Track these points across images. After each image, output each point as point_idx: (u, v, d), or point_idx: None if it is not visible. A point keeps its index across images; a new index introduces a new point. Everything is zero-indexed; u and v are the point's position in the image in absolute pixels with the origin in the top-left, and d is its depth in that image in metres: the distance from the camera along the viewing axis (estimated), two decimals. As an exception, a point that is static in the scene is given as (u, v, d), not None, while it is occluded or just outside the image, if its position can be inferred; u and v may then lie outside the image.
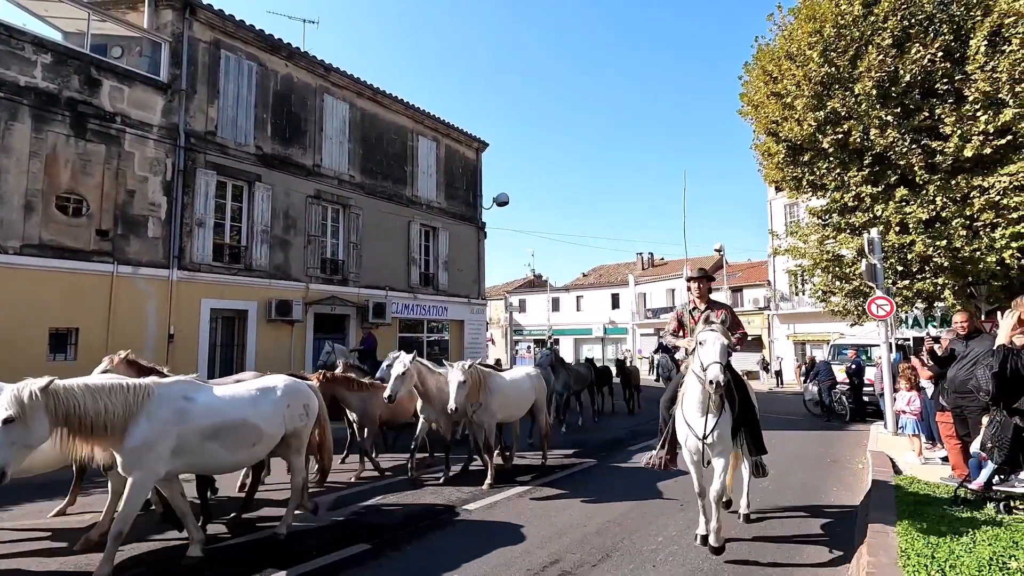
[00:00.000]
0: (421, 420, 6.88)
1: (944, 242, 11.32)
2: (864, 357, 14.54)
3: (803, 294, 23.84)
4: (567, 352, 41.39)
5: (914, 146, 11.60)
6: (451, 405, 5.85)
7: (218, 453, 4.07)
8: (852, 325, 16.08)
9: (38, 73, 9.57)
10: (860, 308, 13.64)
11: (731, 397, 4.21)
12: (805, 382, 15.98)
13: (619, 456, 8.54)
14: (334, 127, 14.69)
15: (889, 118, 11.63)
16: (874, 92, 11.58)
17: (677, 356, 5.58)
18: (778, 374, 26.82)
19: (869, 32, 11.67)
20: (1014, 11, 10.41)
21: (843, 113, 12.13)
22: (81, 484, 5.33)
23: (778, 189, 17.89)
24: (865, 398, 13.18)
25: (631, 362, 18.21)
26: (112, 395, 3.60)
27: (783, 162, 13.85)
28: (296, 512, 4.86)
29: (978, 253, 11.04)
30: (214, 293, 11.77)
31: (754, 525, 5.09)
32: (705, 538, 4.23)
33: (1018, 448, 4.58)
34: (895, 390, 9.39)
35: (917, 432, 7.95)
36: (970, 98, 10.92)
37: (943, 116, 11.22)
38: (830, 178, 12.99)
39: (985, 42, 10.70)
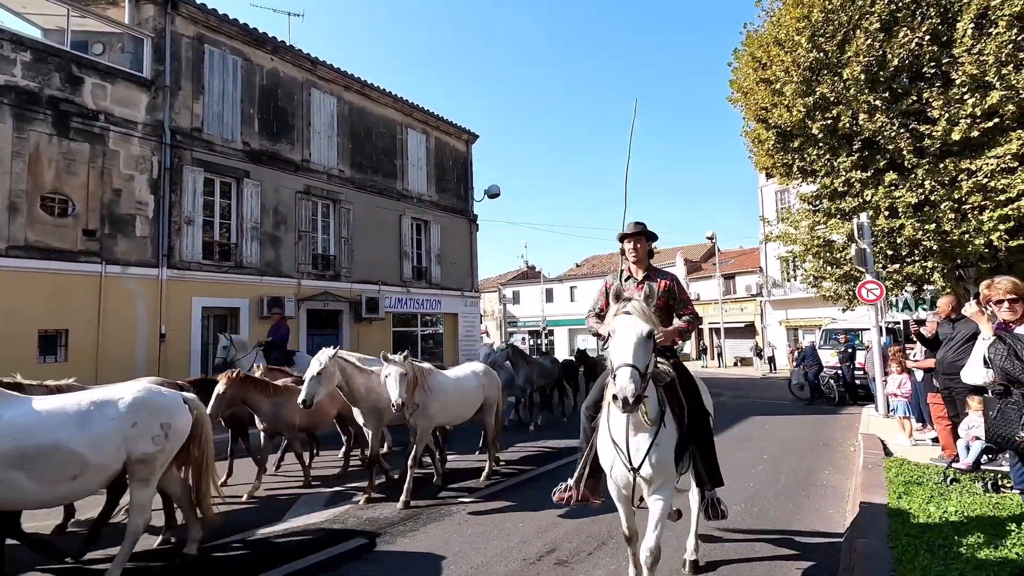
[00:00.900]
0: (370, 433, 5.83)
1: (933, 226, 11.39)
2: (856, 341, 14.70)
3: (795, 280, 23.96)
4: (562, 343, 41.66)
5: (902, 130, 11.64)
6: (394, 399, 5.03)
7: (22, 484, 3.19)
8: (844, 310, 16.18)
9: (18, 71, 9.40)
10: (851, 293, 13.73)
11: (677, 404, 3.12)
12: (796, 367, 16.13)
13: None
14: (322, 121, 14.54)
15: (877, 103, 11.65)
16: (862, 77, 11.59)
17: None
18: (771, 360, 27.24)
19: (857, 16, 11.65)
20: (1000, -7, 10.41)
21: (832, 98, 12.13)
22: None
23: (769, 175, 17.92)
24: (856, 382, 13.34)
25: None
26: None
27: (773, 148, 13.86)
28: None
29: (966, 236, 11.11)
30: (205, 291, 11.68)
31: (748, 512, 5.12)
32: None
33: None
34: (886, 373, 9.50)
35: (908, 414, 8.05)
36: (957, 81, 10.94)
37: (931, 100, 11.24)
38: (820, 164, 13.02)
39: (972, 24, 10.70)
